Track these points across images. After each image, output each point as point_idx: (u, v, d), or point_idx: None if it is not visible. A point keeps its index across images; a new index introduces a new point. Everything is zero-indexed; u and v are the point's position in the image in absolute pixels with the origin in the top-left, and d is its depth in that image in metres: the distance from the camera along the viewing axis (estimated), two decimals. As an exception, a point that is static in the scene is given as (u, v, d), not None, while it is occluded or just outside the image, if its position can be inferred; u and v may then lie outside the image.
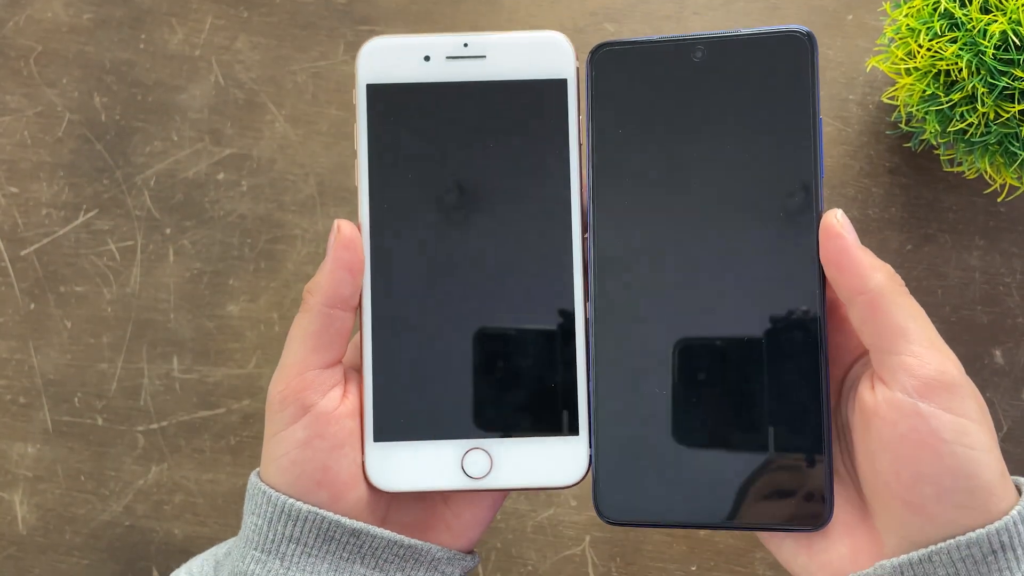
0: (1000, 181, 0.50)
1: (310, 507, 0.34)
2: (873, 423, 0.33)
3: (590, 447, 0.36)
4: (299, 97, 0.57)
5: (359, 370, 0.36)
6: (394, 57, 0.36)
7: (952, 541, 0.31)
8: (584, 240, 0.36)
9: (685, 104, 0.36)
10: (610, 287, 0.36)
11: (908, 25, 0.48)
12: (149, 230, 0.56)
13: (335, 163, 0.57)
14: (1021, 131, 0.45)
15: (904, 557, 0.31)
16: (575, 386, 0.36)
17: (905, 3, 0.49)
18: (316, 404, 0.34)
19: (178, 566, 0.54)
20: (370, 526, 0.34)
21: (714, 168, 0.35)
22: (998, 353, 0.56)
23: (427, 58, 0.36)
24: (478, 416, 0.36)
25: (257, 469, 0.36)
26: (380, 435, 0.36)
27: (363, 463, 0.35)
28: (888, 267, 0.33)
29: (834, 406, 0.36)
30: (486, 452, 0.36)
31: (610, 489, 0.36)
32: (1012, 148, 0.46)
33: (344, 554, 0.34)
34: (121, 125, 0.57)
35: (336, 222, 0.35)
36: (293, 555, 0.34)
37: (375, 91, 0.36)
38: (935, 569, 0.31)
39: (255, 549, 0.34)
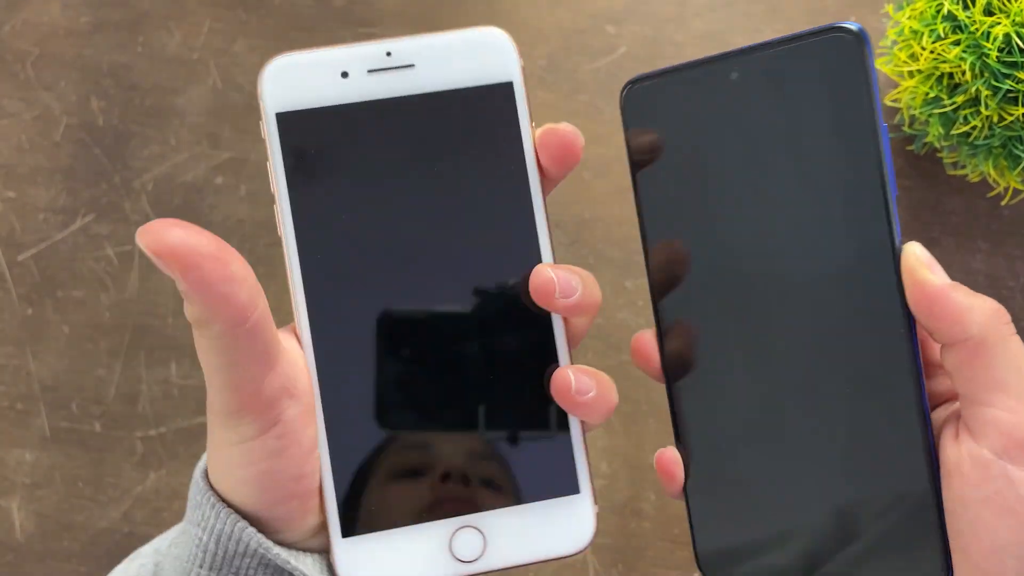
0: (1004, 184, 0.50)
1: (260, 541, 0.30)
2: (954, 480, 0.29)
3: (594, 503, 0.31)
4: (298, 100, 0.57)
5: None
6: (305, 77, 0.31)
7: None
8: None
9: (726, 132, 0.31)
10: (691, 342, 0.33)
11: (911, 27, 0.48)
12: (147, 234, 0.56)
13: (334, 167, 0.56)
14: (1025, 134, 0.45)
15: None
16: (569, 438, 0.31)
17: (908, 5, 0.49)
18: (284, 412, 0.30)
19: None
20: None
21: (767, 203, 0.31)
22: (1002, 357, 0.55)
23: (345, 74, 0.31)
24: (462, 489, 0.31)
25: (201, 469, 0.32)
26: (349, 530, 0.30)
27: (331, 561, 0.31)
28: (988, 304, 0.29)
29: None
30: (477, 530, 0.30)
31: (708, 544, 0.34)
32: (1016, 151, 0.46)
33: None
34: (119, 129, 0.57)
35: (142, 241, 0.28)
36: (247, 569, 0.30)
37: (288, 120, 0.31)
38: None
39: (199, 567, 0.30)
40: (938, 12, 0.46)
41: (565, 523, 0.31)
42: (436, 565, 0.30)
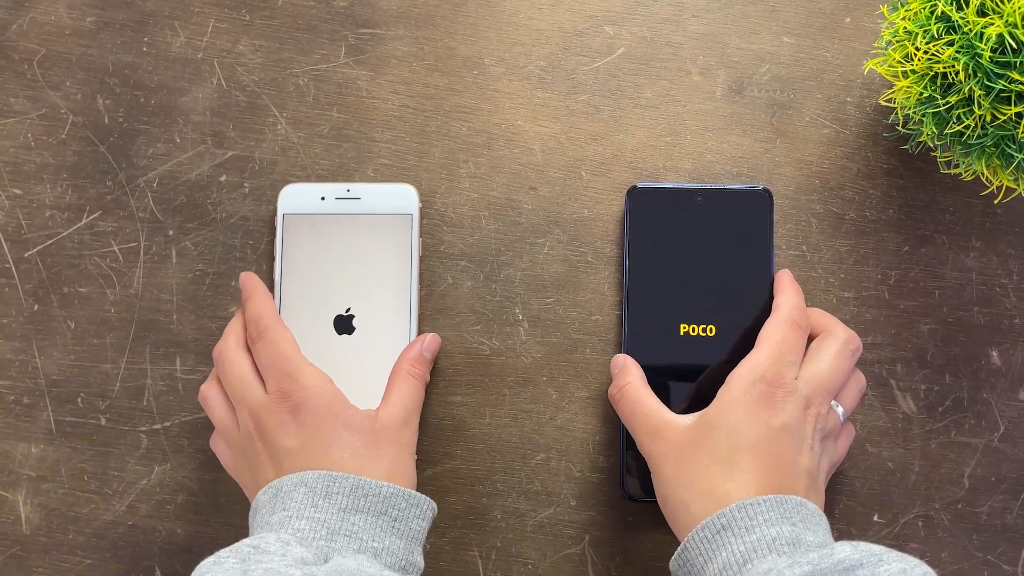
0: (997, 183, 0.50)
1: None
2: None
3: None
4: (300, 100, 0.58)
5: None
6: (301, 197, 0.55)
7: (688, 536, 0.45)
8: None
9: (688, 229, 0.55)
10: (640, 336, 0.55)
11: (905, 28, 0.48)
12: (152, 232, 0.57)
13: (336, 165, 0.57)
14: (1018, 133, 0.46)
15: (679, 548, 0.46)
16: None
17: (903, 6, 0.49)
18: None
19: (181, 565, 0.55)
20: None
21: (706, 275, 0.55)
22: (995, 354, 0.56)
23: (323, 198, 0.55)
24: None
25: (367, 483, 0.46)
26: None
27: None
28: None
29: None
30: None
31: (630, 476, 0.55)
32: (1009, 150, 0.46)
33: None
34: (124, 127, 0.58)
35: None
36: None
37: (288, 218, 0.55)
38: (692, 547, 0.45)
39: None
40: (932, 13, 0.47)
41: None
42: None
